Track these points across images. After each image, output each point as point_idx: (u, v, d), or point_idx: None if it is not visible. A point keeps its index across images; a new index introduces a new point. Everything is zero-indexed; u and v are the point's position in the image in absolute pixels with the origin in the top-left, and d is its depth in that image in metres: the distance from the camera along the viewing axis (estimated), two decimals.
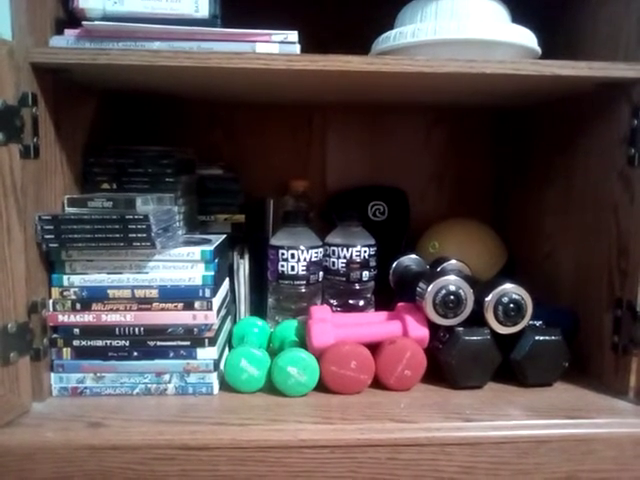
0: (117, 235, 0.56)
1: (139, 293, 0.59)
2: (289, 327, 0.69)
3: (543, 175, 0.80)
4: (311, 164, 0.94)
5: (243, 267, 0.77)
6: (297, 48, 0.57)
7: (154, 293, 0.59)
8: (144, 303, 0.59)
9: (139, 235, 0.56)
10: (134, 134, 0.86)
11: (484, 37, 0.58)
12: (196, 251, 0.59)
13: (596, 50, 0.65)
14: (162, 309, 0.59)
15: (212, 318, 0.59)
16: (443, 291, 0.62)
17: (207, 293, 0.59)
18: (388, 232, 0.89)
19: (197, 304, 0.59)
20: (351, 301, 0.75)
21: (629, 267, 0.59)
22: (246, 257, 0.77)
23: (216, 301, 0.60)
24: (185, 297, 0.59)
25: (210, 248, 0.59)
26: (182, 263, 0.59)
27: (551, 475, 0.54)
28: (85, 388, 0.59)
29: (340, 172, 0.95)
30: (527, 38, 0.60)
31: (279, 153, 0.93)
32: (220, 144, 0.91)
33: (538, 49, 0.61)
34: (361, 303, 0.76)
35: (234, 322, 0.74)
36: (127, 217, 0.56)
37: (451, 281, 0.62)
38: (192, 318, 0.59)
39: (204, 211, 0.80)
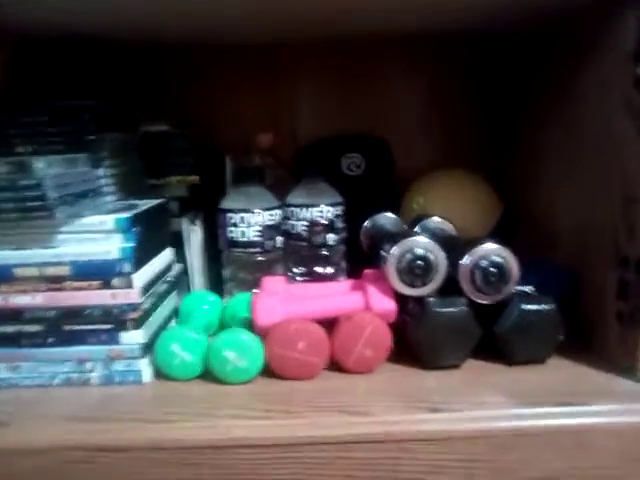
0: (10, 205, 0.47)
1: (49, 271, 0.50)
2: (241, 302, 0.60)
3: (540, 115, 0.68)
4: (279, 114, 0.84)
5: (195, 235, 0.68)
6: None
7: (65, 270, 0.50)
8: (55, 282, 0.50)
9: (34, 204, 0.47)
10: (71, 88, 0.76)
11: None
12: (109, 219, 0.50)
13: None
14: (76, 288, 0.50)
15: (135, 297, 0.50)
16: (408, 255, 0.52)
17: (126, 268, 0.50)
18: (366, 189, 0.78)
19: (115, 281, 0.50)
20: (318, 269, 0.66)
21: (637, 219, 0.48)
22: (198, 223, 0.68)
23: (140, 277, 0.51)
24: (101, 274, 0.50)
25: (126, 215, 0.50)
26: (95, 234, 0.50)
27: (538, 473, 0.45)
28: (0, 379, 0.52)
29: (313, 122, 0.84)
30: None
31: (242, 103, 0.83)
32: (172, 94, 0.80)
33: None
34: (329, 271, 0.66)
35: None
36: (19, 183, 0.47)
37: (418, 243, 0.52)
38: (111, 297, 0.50)
39: (153, 173, 0.71)
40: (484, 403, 0.46)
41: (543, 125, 0.67)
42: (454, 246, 0.55)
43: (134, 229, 0.50)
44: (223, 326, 0.61)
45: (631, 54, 0.47)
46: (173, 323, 0.61)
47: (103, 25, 0.61)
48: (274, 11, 0.57)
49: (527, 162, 0.72)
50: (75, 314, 0.50)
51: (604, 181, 0.53)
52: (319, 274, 0.66)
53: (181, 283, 0.66)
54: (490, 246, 0.51)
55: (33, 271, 0.50)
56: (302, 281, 0.65)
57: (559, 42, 0.62)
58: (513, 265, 0.51)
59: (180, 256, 0.67)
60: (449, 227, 0.65)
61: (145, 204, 0.56)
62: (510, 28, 0.69)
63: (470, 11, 0.59)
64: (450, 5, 0.56)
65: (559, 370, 0.52)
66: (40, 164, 0.49)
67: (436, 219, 0.66)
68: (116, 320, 0.50)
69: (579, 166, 0.58)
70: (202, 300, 0.62)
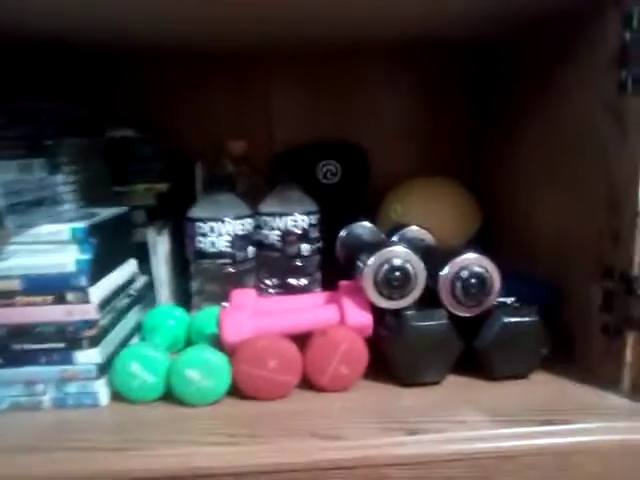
0: None
1: None
2: (209, 316, 0.56)
3: (521, 119, 0.66)
4: (255, 120, 0.81)
5: (162, 245, 0.64)
6: None
7: (16, 284, 0.46)
8: (4, 297, 0.46)
9: None
10: (33, 93, 0.72)
11: None
12: (65, 229, 0.46)
13: None
14: (27, 304, 0.46)
15: (92, 313, 0.47)
16: (386, 266, 0.49)
17: (83, 281, 0.46)
18: (342, 197, 0.76)
19: (70, 296, 0.46)
20: (291, 280, 0.63)
21: (622, 226, 0.46)
22: (165, 233, 0.65)
23: (97, 291, 0.48)
24: (55, 288, 0.46)
25: (83, 224, 0.46)
26: (49, 245, 0.46)
27: None
28: None
29: (290, 128, 0.81)
30: None
31: (217, 108, 0.79)
32: (140, 100, 0.77)
33: None
34: (303, 282, 0.63)
35: None
36: None
37: (396, 253, 0.49)
38: (66, 314, 0.47)
39: (119, 180, 0.67)
40: (464, 423, 0.44)
41: (526, 128, 0.65)
42: (433, 256, 0.52)
43: (91, 239, 0.47)
44: (190, 342, 0.58)
45: (612, 57, 0.46)
46: (136, 340, 0.57)
47: (70, 29, 0.57)
48: (256, 17, 0.55)
49: (507, 169, 0.70)
50: (26, 332, 0.47)
51: (586, 187, 0.51)
52: (292, 286, 0.63)
53: (146, 297, 0.62)
54: (471, 256, 0.49)
55: None
56: (274, 293, 0.62)
57: (540, 47, 0.61)
58: (495, 276, 0.49)
59: (146, 268, 0.64)
60: (428, 236, 0.63)
61: (106, 213, 0.53)
62: (491, 33, 0.68)
63: (452, 21, 0.58)
64: (431, 14, 0.54)
65: (542, 385, 0.49)
66: None
67: (414, 228, 0.63)
68: (70, 338, 0.47)
69: (561, 172, 0.56)
70: (167, 315, 0.59)
